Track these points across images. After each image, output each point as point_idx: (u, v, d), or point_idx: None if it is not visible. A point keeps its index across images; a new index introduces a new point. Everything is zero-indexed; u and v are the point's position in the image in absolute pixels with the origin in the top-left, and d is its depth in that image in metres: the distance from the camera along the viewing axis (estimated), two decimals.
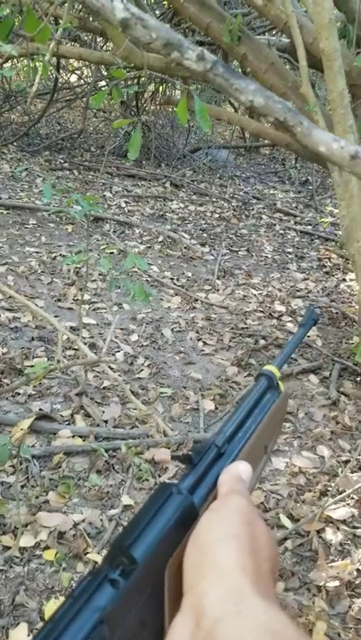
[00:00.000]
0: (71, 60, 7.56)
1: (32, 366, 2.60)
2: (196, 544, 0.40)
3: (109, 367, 2.05)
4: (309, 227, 5.97)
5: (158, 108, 7.74)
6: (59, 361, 1.48)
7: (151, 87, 7.53)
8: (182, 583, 0.39)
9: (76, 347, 2.71)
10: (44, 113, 7.25)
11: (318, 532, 2.00)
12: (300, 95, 3.05)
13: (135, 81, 6.03)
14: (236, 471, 0.48)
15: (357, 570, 1.87)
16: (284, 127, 1.00)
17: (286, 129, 1.00)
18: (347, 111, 2.48)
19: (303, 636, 0.33)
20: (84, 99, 7.92)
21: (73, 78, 8.69)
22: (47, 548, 1.77)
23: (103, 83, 8.13)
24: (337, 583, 1.81)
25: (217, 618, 0.35)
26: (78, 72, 8.58)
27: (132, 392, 2.72)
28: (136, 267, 4.03)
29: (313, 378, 3.04)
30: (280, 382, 0.61)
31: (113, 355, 2.99)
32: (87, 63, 7.60)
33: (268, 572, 0.40)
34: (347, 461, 2.35)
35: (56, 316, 3.29)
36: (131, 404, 2.61)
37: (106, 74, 7.51)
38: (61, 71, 7.35)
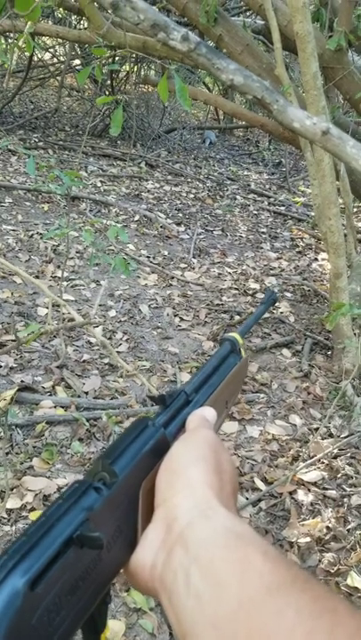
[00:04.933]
0: (44, 38, 7.46)
1: (13, 340, 2.66)
2: (168, 466, 0.47)
3: (94, 328, 2.11)
4: (282, 207, 6.07)
5: (133, 87, 7.72)
6: (49, 324, 1.55)
7: (126, 67, 7.50)
8: (154, 502, 0.46)
9: (59, 317, 2.77)
10: (18, 91, 7.19)
11: (291, 493, 2.11)
12: (275, 77, 3.12)
13: (112, 60, 6.01)
14: (203, 413, 0.55)
15: (327, 527, 1.99)
16: (261, 104, 1.08)
17: (263, 106, 1.08)
18: (319, 93, 2.56)
19: (260, 537, 0.39)
20: (58, 77, 7.85)
21: (46, 57, 8.58)
22: (33, 509, 1.85)
23: (77, 61, 8.08)
24: (308, 539, 1.93)
25: (187, 522, 0.41)
26: (52, 50, 8.49)
27: (111, 365, 2.80)
28: (113, 245, 4.09)
29: (286, 352, 3.16)
30: (242, 349, 0.69)
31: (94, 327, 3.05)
32: (61, 41, 7.52)
33: (230, 492, 0.47)
34: (317, 429, 2.47)
35: (34, 293, 3.34)
36: (110, 376, 2.69)
37: (80, 52, 7.46)
38: (35, 49, 7.26)
